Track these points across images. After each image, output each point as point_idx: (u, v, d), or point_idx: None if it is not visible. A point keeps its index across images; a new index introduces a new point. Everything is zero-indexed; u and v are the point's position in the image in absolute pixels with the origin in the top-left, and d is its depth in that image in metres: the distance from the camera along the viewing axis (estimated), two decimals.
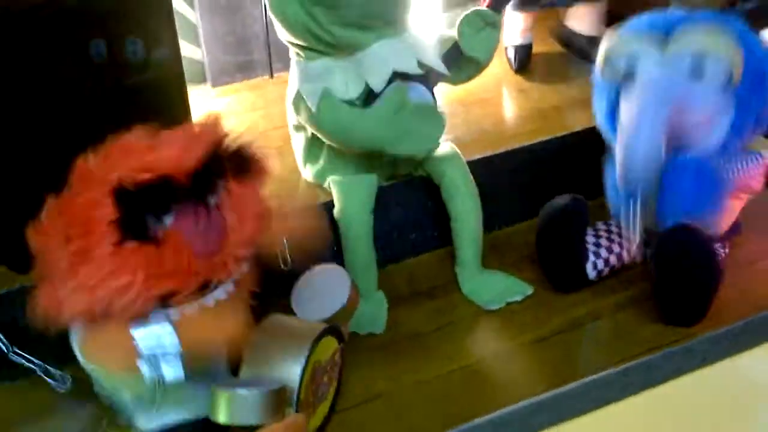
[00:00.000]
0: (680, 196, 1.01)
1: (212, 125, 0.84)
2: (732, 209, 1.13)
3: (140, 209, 0.76)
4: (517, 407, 0.85)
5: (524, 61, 1.43)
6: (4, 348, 0.94)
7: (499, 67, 1.45)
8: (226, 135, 0.83)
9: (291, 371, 0.86)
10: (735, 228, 1.16)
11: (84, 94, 0.99)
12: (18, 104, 0.96)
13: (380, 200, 1.12)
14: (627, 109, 1.00)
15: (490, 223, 1.19)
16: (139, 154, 0.78)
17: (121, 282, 0.76)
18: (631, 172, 0.97)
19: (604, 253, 1.09)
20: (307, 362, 0.86)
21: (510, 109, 1.38)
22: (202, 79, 1.48)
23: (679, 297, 1.00)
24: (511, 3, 1.38)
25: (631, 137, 0.97)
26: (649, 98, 0.98)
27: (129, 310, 0.77)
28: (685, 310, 1.02)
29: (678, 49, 0.99)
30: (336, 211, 1.08)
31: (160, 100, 1.06)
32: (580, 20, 1.41)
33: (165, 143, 0.80)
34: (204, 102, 1.43)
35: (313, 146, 1.12)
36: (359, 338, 1.05)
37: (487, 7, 1.10)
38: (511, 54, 1.43)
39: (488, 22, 1.09)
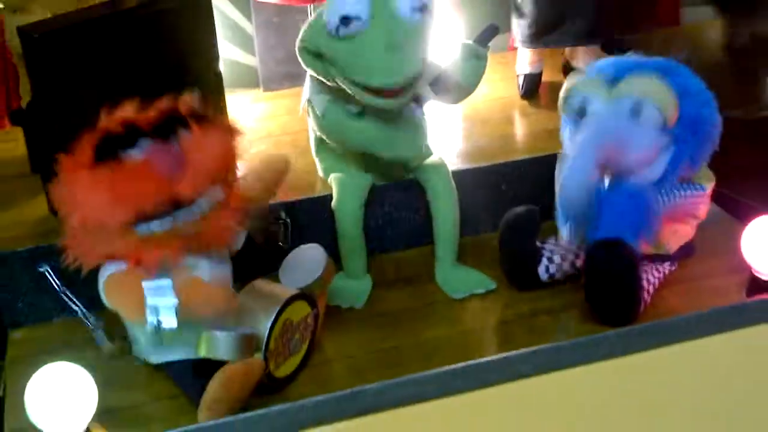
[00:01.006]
0: (615, 219, 1.18)
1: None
2: (681, 233, 1.29)
3: (111, 144, 1.02)
4: (440, 371, 1.04)
5: (531, 88, 1.62)
6: (57, 287, 1.20)
7: (510, 92, 1.64)
8: (186, 101, 1.08)
9: (263, 323, 1.07)
10: (688, 249, 1.32)
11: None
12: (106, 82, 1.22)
13: (376, 198, 1.33)
14: (573, 142, 1.19)
15: (474, 227, 1.38)
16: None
17: (99, 197, 1.01)
18: (566, 197, 1.16)
19: (557, 259, 1.27)
20: (277, 318, 1.07)
21: (508, 129, 1.57)
22: (256, 84, 1.74)
23: (605, 301, 1.18)
24: (519, 38, 1.58)
25: (569, 166, 1.15)
26: (590, 133, 1.16)
27: (112, 224, 1.02)
28: (614, 313, 1.19)
29: (621, 94, 1.17)
30: (333, 202, 1.30)
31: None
32: (578, 59, 1.60)
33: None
34: (253, 103, 1.69)
35: (321, 147, 1.34)
36: (342, 311, 1.27)
37: (474, 42, 1.29)
38: (520, 81, 1.63)
39: (475, 55, 1.28)
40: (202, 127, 1.06)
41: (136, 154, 1.03)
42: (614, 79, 1.19)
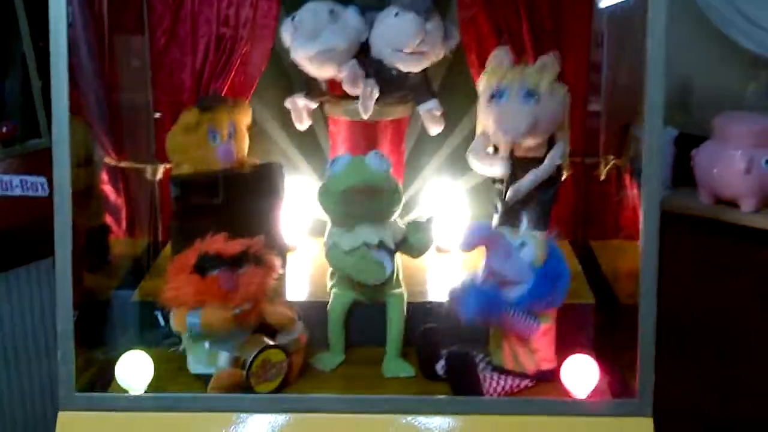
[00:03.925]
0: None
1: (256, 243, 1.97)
2: (537, 357, 1.95)
3: (203, 264, 1.90)
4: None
5: None
6: (162, 321, 2.09)
7: None
8: (256, 246, 1.95)
9: (250, 355, 1.91)
10: (547, 375, 1.99)
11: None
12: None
13: (356, 309, 2.13)
14: None
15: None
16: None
17: (189, 290, 1.89)
18: None
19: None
20: (257, 355, 1.90)
21: None
22: None
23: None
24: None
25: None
26: None
27: (189, 305, 1.90)
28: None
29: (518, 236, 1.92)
30: (328, 307, 2.12)
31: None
32: None
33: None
34: None
35: (332, 273, 2.18)
36: (317, 370, 2.07)
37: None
38: None
39: (421, 229, 2.09)
40: (256, 266, 1.94)
41: (216, 272, 1.91)
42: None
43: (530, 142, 2.17)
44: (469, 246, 1.88)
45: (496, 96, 2.15)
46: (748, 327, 2.55)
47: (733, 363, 2.57)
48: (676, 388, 2.40)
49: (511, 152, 2.19)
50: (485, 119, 2.18)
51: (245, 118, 2.34)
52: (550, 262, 1.91)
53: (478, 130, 2.26)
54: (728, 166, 2.52)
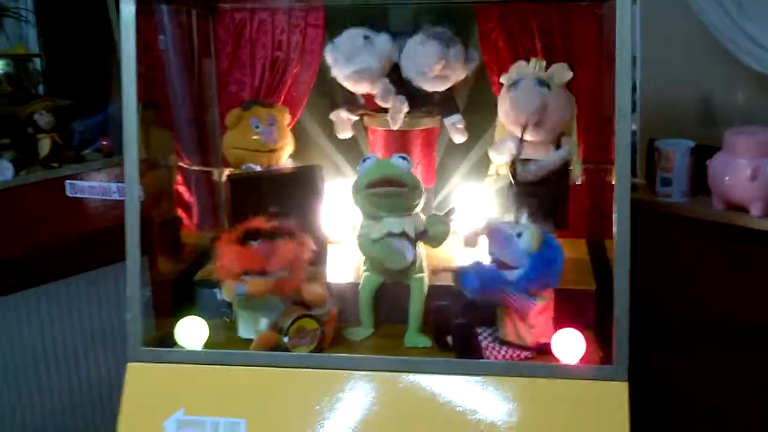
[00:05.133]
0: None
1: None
2: (534, 332, 2.25)
3: (245, 238, 2.28)
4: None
5: None
6: (219, 295, 2.46)
7: None
8: (288, 227, 2.32)
9: (287, 322, 2.27)
10: (545, 347, 2.28)
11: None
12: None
13: (383, 290, 2.46)
14: None
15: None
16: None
17: (234, 258, 2.26)
18: None
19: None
20: (296, 320, 2.26)
21: None
22: None
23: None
24: None
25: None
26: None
27: (233, 272, 2.27)
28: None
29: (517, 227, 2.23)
30: (359, 287, 2.46)
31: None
32: None
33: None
34: None
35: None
36: (349, 340, 2.41)
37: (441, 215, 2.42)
38: None
39: (439, 221, 2.41)
40: (290, 240, 2.31)
41: (256, 244, 2.30)
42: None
43: (538, 137, 2.47)
44: (470, 242, 2.21)
45: (513, 85, 2.48)
46: (755, 321, 2.77)
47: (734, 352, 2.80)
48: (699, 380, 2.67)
49: (522, 137, 2.47)
50: (503, 110, 2.51)
51: (282, 115, 2.76)
52: (544, 249, 2.21)
53: (497, 136, 2.59)
54: (737, 174, 2.75)
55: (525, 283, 2.20)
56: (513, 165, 2.46)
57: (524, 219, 2.27)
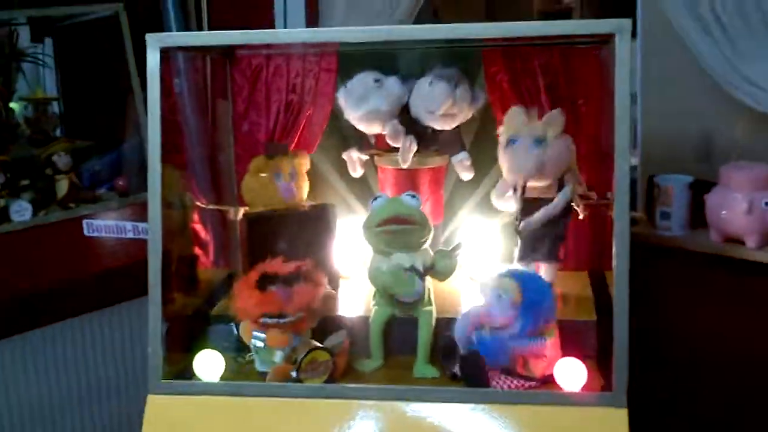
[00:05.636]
0: (484, 350, 2.30)
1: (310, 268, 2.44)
2: (540, 365, 2.36)
3: (263, 282, 2.38)
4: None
5: None
6: (236, 330, 2.56)
7: None
8: (306, 267, 2.42)
9: (300, 354, 2.36)
10: (550, 377, 2.37)
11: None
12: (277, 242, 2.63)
13: (392, 322, 2.56)
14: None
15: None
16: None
17: (252, 303, 2.37)
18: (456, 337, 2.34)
19: None
20: (306, 354, 2.35)
21: None
22: None
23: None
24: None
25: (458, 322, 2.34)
26: (474, 307, 2.34)
27: (252, 315, 2.37)
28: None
29: (491, 283, 2.34)
30: (369, 320, 2.56)
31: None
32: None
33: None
34: None
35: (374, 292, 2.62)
36: (359, 371, 2.50)
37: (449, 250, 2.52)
38: None
39: (446, 256, 2.51)
40: (307, 282, 2.41)
41: (274, 288, 2.40)
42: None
43: (540, 183, 2.57)
44: (464, 333, 2.36)
45: (510, 143, 2.57)
46: (753, 350, 2.86)
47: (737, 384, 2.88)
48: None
49: (523, 191, 2.58)
50: (502, 163, 2.61)
51: (304, 164, 2.85)
52: (527, 295, 2.31)
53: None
54: (733, 208, 2.86)
55: (525, 332, 2.31)
56: (516, 218, 2.57)
57: (499, 275, 2.37)
